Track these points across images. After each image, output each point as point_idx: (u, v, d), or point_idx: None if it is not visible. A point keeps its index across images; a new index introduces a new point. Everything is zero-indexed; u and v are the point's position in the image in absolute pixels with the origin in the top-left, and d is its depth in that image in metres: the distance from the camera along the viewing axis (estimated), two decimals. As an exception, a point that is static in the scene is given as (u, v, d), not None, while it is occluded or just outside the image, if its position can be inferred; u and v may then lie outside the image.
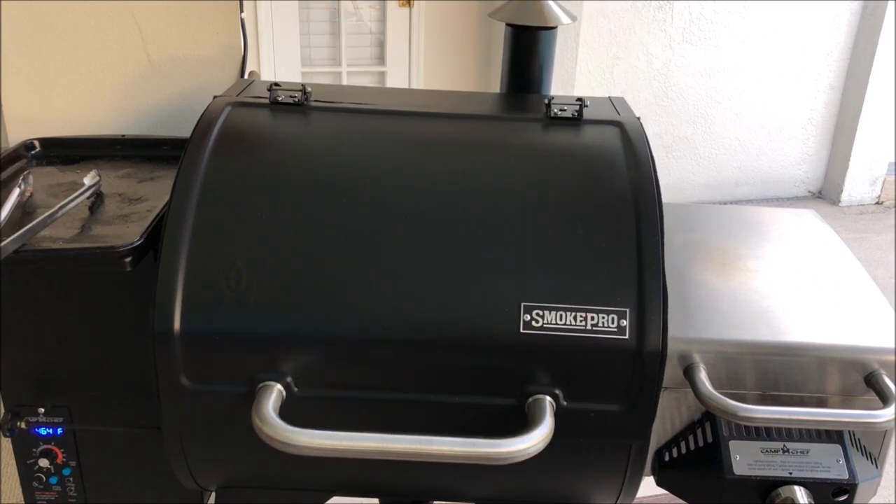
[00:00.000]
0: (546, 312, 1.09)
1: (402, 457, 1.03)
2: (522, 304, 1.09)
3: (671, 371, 1.10)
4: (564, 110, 1.28)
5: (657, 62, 2.19)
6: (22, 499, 1.39)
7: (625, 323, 1.08)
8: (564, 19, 1.44)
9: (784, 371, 1.14)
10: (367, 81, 4.41)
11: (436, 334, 1.10)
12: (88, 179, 1.32)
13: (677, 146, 1.85)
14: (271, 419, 1.03)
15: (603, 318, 1.10)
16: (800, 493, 1.10)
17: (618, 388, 1.12)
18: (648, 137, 1.19)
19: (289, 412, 1.06)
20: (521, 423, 1.07)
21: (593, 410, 1.12)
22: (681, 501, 1.21)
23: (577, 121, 1.28)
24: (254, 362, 1.10)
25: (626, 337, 1.08)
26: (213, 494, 1.25)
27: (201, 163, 1.16)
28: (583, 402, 1.11)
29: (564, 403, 1.10)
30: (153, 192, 1.39)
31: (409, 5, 4.24)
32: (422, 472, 1.20)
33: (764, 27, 1.89)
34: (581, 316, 1.09)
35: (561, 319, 1.09)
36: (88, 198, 1.30)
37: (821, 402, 1.14)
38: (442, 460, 1.03)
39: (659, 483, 1.20)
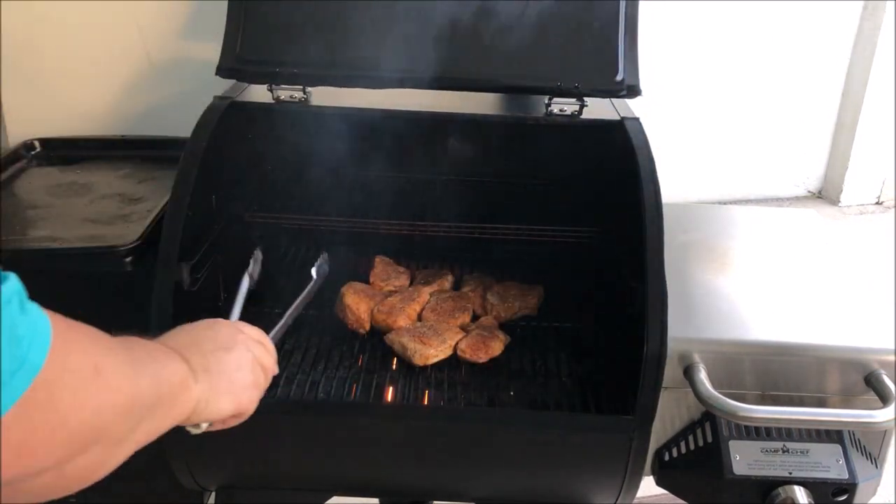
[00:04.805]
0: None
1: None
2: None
3: (671, 371, 1.10)
4: (564, 110, 1.28)
5: (657, 62, 2.19)
6: (22, 499, 1.38)
7: (625, 323, 1.08)
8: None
9: (784, 371, 1.14)
10: (367, 81, 4.40)
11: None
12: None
13: (677, 146, 1.85)
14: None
15: (603, 318, 1.10)
16: (800, 493, 1.10)
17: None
18: (648, 137, 1.19)
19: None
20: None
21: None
22: (681, 501, 1.21)
23: (577, 120, 1.28)
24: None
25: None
26: (213, 494, 1.25)
27: (200, 163, 1.16)
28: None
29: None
30: (153, 192, 1.39)
31: (409, 5, 4.24)
32: (421, 471, 1.20)
33: (764, 27, 1.89)
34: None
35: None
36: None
37: (821, 402, 1.14)
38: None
39: (659, 483, 1.20)
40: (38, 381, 0.52)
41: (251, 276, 1.11)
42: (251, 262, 1.12)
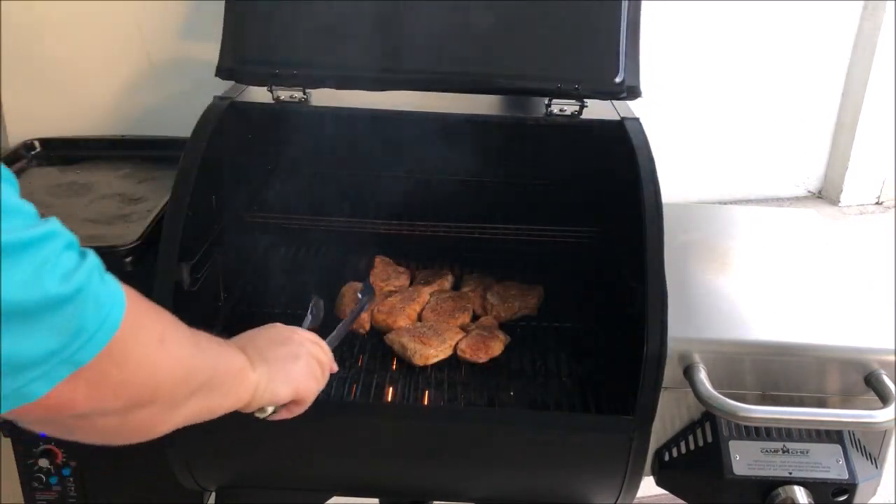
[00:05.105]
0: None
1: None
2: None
3: (671, 371, 1.10)
4: (564, 110, 1.28)
5: (657, 62, 2.18)
6: (22, 499, 1.39)
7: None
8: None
9: (784, 371, 1.14)
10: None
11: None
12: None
13: (677, 146, 1.85)
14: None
15: (603, 318, 1.10)
16: (800, 493, 1.10)
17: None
18: (648, 137, 1.19)
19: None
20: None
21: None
22: (681, 501, 1.21)
23: (577, 120, 1.28)
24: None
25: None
26: (213, 494, 1.25)
27: (200, 163, 1.16)
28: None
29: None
30: (153, 192, 1.39)
31: (409, 5, 4.23)
32: (421, 471, 1.20)
33: (764, 27, 1.89)
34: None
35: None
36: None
37: (821, 402, 1.14)
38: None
39: (659, 483, 1.20)
40: (115, 339, 0.63)
41: (312, 317, 1.16)
42: (311, 307, 1.17)
